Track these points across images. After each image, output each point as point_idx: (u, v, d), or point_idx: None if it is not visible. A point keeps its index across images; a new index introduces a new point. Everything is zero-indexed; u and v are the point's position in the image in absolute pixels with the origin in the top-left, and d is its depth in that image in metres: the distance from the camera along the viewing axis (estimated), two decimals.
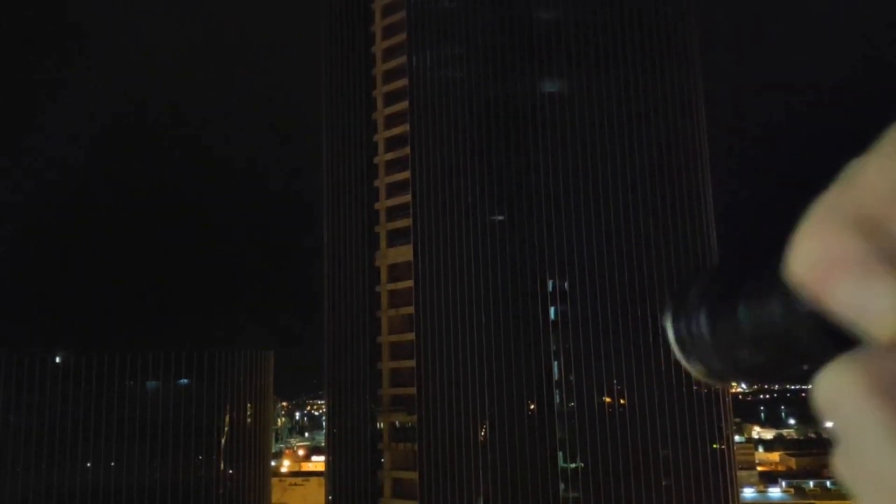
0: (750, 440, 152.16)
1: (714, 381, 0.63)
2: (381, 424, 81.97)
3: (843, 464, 0.51)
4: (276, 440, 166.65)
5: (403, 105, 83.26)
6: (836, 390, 0.51)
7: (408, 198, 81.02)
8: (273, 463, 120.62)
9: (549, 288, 76.41)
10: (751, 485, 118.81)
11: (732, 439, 78.25)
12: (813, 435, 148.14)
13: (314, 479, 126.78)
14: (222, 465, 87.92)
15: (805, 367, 0.55)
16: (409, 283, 79.42)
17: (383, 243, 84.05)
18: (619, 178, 78.19)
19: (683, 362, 0.62)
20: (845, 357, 0.52)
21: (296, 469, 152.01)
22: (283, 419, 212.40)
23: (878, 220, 0.47)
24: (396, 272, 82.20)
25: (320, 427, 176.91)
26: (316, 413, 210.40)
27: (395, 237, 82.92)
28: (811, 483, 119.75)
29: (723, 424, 74.96)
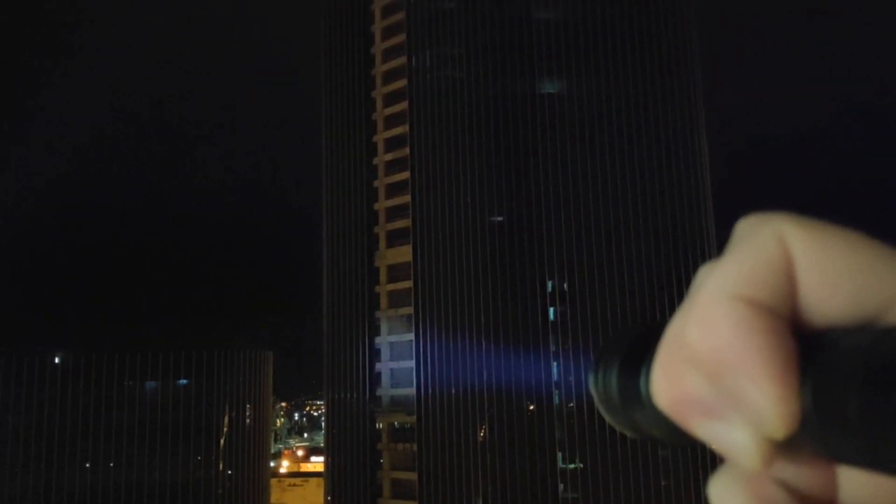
0: None
1: (625, 433, 0.64)
2: (380, 425, 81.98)
3: None
4: (275, 441, 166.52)
5: (403, 105, 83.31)
6: (723, 499, 0.56)
7: (407, 198, 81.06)
8: (272, 463, 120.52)
9: (549, 288, 76.42)
10: None
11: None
12: None
13: (313, 480, 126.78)
14: (221, 466, 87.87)
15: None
16: (409, 284, 79.45)
17: (382, 244, 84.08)
18: (618, 178, 78.23)
19: (600, 410, 0.63)
20: (728, 468, 0.56)
21: (295, 469, 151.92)
22: (282, 420, 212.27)
23: (715, 369, 0.50)
24: (396, 273, 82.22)
25: (319, 428, 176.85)
26: (315, 414, 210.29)
27: (395, 238, 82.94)
28: None
29: None
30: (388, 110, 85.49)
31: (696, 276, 0.56)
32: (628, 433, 0.63)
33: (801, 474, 0.54)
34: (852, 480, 0.53)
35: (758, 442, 0.49)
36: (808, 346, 0.49)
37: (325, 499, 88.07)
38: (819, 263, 0.50)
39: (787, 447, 0.50)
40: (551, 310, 76.00)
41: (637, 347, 0.60)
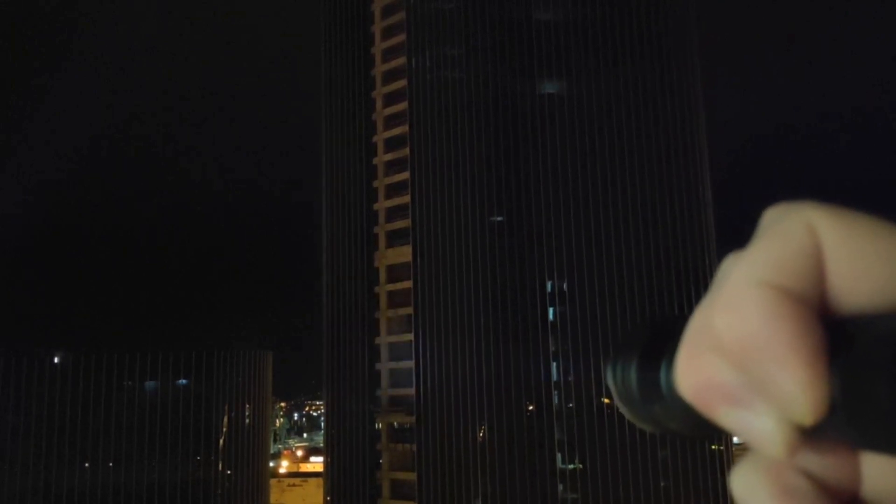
0: None
1: (644, 427, 0.64)
2: (380, 425, 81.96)
3: None
4: (275, 441, 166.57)
5: (403, 106, 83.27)
6: (745, 489, 0.56)
7: (407, 198, 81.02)
8: (271, 464, 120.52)
9: (548, 289, 76.44)
10: None
11: (731, 440, 78.34)
12: None
13: (312, 480, 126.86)
14: (221, 466, 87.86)
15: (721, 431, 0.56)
16: (408, 284, 79.42)
17: (382, 244, 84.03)
18: (618, 178, 78.25)
19: (618, 405, 0.63)
20: (751, 459, 0.56)
21: (294, 470, 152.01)
22: (282, 420, 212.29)
23: (743, 356, 0.50)
24: (395, 273, 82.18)
25: (319, 428, 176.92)
26: (314, 414, 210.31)
27: (394, 238, 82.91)
28: None
29: None
30: (388, 110, 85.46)
31: (721, 265, 0.55)
32: (646, 427, 0.63)
33: (824, 464, 0.54)
34: (877, 469, 0.54)
35: (784, 429, 0.49)
36: (837, 333, 0.49)
37: (325, 499, 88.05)
38: (848, 251, 0.50)
39: (812, 436, 0.50)
40: (550, 310, 76.02)
41: (656, 340, 0.60)
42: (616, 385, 0.63)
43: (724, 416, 0.52)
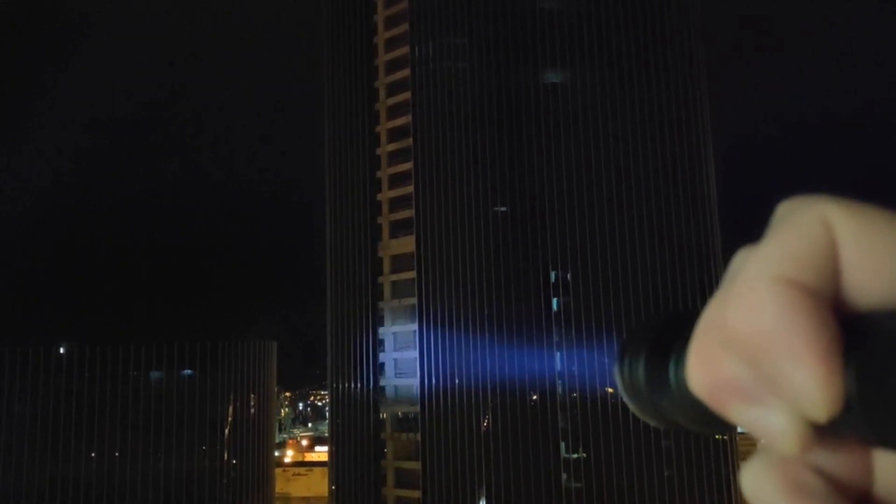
0: None
1: (650, 422, 0.64)
2: (384, 415, 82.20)
3: None
4: (280, 430, 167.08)
5: (406, 96, 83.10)
6: (755, 486, 0.56)
7: (410, 188, 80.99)
8: (276, 453, 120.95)
9: (552, 279, 76.43)
10: None
11: (735, 430, 78.24)
12: None
13: (317, 470, 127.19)
14: (226, 456, 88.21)
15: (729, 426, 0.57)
16: (412, 274, 79.48)
17: (385, 234, 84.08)
18: (621, 169, 78.10)
19: (625, 399, 0.63)
20: (762, 455, 0.56)
21: (299, 459, 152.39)
22: (287, 409, 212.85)
23: (756, 352, 0.50)
24: (399, 263, 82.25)
25: (323, 417, 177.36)
26: (319, 403, 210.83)
27: (398, 228, 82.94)
28: None
29: None
30: (391, 100, 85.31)
31: (732, 258, 0.55)
32: (652, 421, 0.63)
33: (836, 461, 0.54)
34: (890, 466, 0.54)
35: (797, 426, 0.49)
36: (852, 329, 0.49)
37: (330, 488, 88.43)
38: (863, 245, 0.50)
39: (824, 432, 0.50)
40: (554, 300, 76.03)
41: (665, 335, 0.59)
42: (623, 379, 0.63)
43: (736, 412, 0.52)
